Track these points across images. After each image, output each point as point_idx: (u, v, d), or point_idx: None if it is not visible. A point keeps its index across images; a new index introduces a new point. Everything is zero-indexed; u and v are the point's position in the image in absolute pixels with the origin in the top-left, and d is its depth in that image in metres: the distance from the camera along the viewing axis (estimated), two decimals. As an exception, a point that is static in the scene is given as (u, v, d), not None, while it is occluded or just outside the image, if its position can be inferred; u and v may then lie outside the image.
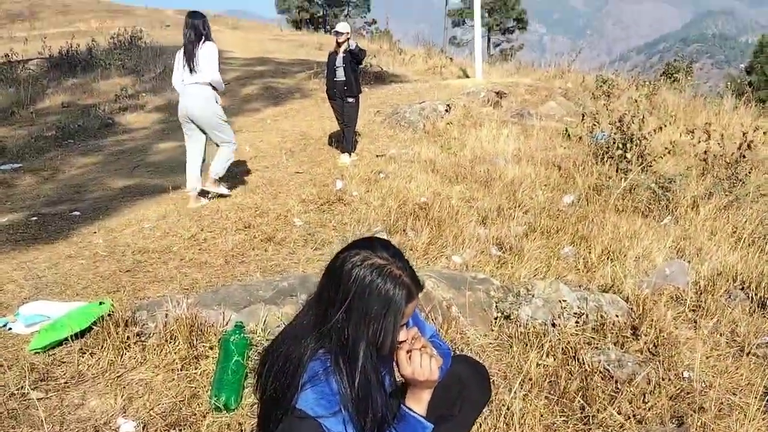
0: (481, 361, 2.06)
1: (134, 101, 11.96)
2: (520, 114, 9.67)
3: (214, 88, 5.73)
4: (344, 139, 7.49)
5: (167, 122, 10.67)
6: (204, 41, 5.59)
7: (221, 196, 5.95)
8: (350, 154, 7.42)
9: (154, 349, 2.85)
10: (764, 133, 6.40)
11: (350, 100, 7.35)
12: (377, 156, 7.52)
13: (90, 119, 10.71)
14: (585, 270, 4.18)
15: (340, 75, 7.29)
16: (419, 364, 1.63)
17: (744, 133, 6.23)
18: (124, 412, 2.50)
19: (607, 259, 4.30)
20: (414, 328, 1.76)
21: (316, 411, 1.56)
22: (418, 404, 1.69)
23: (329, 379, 1.58)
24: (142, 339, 2.94)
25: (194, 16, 5.66)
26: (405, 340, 1.67)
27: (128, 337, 2.89)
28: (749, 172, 6.27)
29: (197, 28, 5.59)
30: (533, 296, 3.18)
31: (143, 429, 2.41)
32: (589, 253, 4.35)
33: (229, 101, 12.02)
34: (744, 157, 6.22)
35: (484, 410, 2.52)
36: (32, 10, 27.47)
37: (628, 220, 5.19)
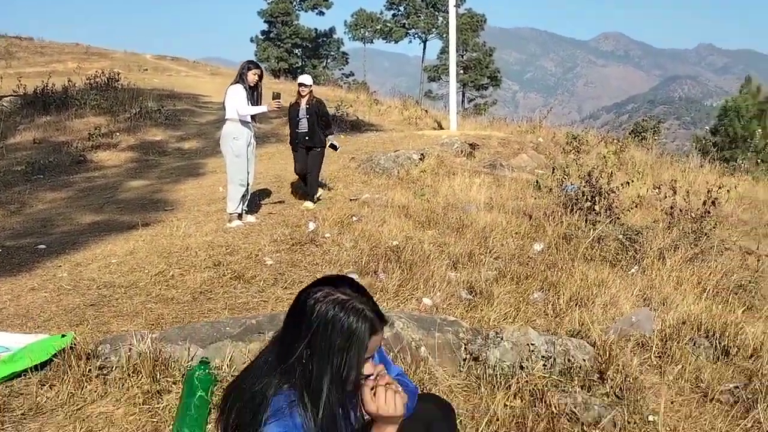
0: (448, 401, 2.04)
1: (108, 140, 11.92)
2: (493, 165, 9.86)
3: (244, 123, 6.28)
4: (308, 186, 7.52)
5: (140, 161, 10.65)
6: (230, 84, 6.32)
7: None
8: (313, 200, 7.45)
9: (116, 383, 2.77)
10: (728, 190, 6.62)
11: (315, 150, 7.41)
12: (351, 200, 7.56)
13: (61, 155, 10.64)
14: (554, 315, 4.22)
15: (303, 126, 7.33)
16: (384, 400, 1.63)
17: (709, 190, 6.44)
18: (81, 447, 2.42)
19: (576, 305, 4.35)
20: (380, 364, 1.76)
21: None
22: None
23: (293, 414, 1.57)
24: (104, 372, 2.86)
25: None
26: (371, 375, 1.67)
27: (89, 370, 2.82)
28: (714, 227, 6.44)
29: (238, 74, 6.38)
30: (502, 339, 3.19)
31: (100, 464, 2.33)
32: (558, 299, 4.40)
33: (204, 143, 12.09)
34: (709, 212, 6.41)
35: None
36: (9, 50, 27.44)
37: (596, 268, 5.27)
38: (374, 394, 1.64)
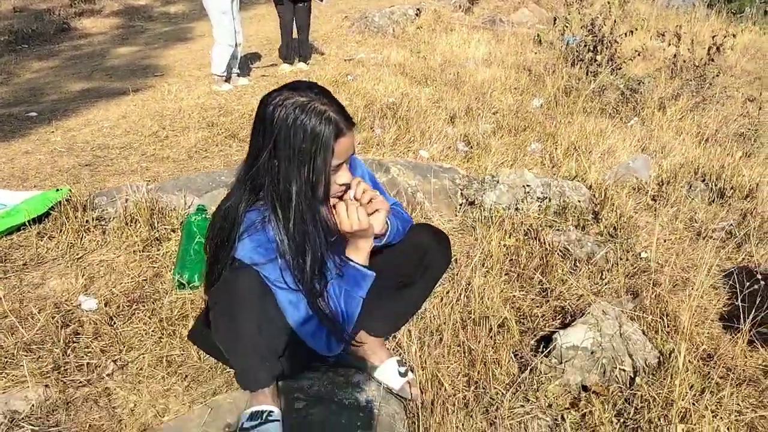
0: (444, 231, 2.05)
1: (91, 6, 11.39)
2: (492, 20, 9.46)
3: None
4: (299, 45, 7.08)
5: (126, 27, 10.24)
6: None
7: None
8: (306, 61, 7.16)
9: (115, 232, 2.80)
10: (733, 35, 6.36)
11: (300, 4, 6.83)
12: (345, 60, 7.32)
13: (44, 24, 10.20)
14: (551, 165, 4.21)
15: None
16: (346, 214, 1.62)
17: (713, 37, 6.19)
18: (86, 291, 2.48)
19: (573, 155, 4.32)
20: (358, 177, 1.74)
21: (253, 259, 1.57)
22: (356, 254, 1.70)
23: (266, 228, 1.58)
24: (102, 223, 2.88)
25: None
26: (347, 184, 1.64)
27: (87, 221, 2.84)
28: (717, 75, 6.27)
29: None
30: (498, 182, 3.18)
31: (105, 306, 2.40)
32: (556, 149, 4.36)
33: (191, 6, 11.54)
34: (713, 60, 6.21)
35: (444, 281, 2.57)
36: None
37: (595, 120, 5.19)
38: (335, 209, 1.65)
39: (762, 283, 2.49)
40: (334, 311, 1.66)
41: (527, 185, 3.12)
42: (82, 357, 2.05)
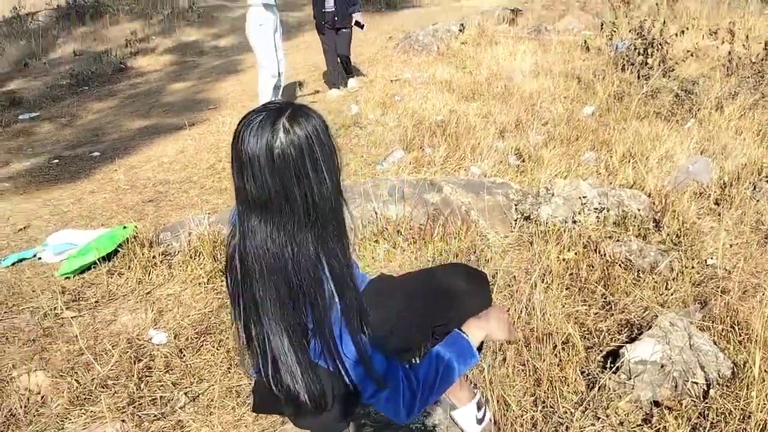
0: (480, 269, 1.93)
1: (145, 45, 11.88)
2: (537, 30, 9.37)
3: (267, 7, 5.96)
4: (345, 68, 7.33)
5: (179, 63, 10.62)
6: None
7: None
8: (354, 77, 7.34)
9: (180, 266, 2.91)
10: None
11: (344, 30, 7.05)
12: (391, 81, 7.39)
13: (103, 65, 10.68)
14: (606, 173, 4.12)
15: (330, 5, 6.91)
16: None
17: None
18: (155, 325, 2.58)
19: (629, 162, 4.23)
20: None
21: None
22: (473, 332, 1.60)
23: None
24: (168, 257, 2.99)
25: None
26: None
27: (154, 257, 2.96)
28: (775, 71, 6.03)
29: None
30: (553, 195, 3.15)
31: (175, 338, 2.48)
32: (611, 157, 4.28)
33: (239, 38, 11.87)
34: (770, 55, 5.99)
35: (504, 298, 2.55)
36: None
37: (650, 125, 5.07)
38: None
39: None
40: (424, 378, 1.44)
41: (583, 196, 3.07)
42: (155, 390, 2.13)
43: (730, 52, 6.17)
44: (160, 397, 2.09)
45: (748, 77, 5.82)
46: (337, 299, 1.31)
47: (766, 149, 4.26)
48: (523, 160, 4.34)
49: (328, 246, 1.33)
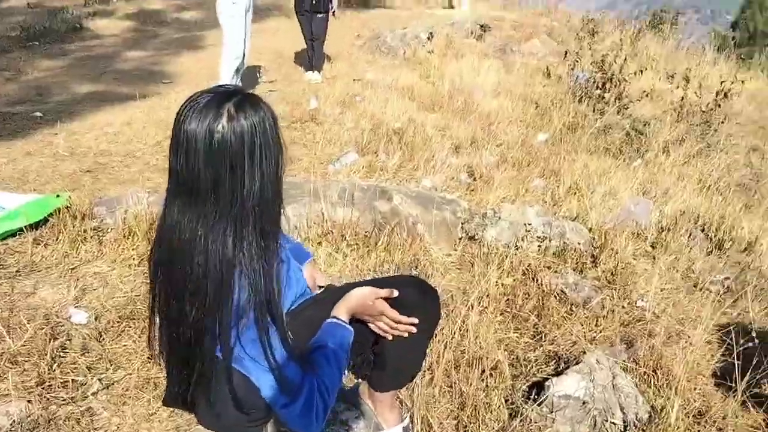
0: (430, 284, 1.81)
1: (104, 7, 11.44)
2: (503, 49, 9.51)
3: None
4: (313, 55, 7.30)
5: (138, 31, 10.27)
6: None
7: None
8: (320, 71, 7.28)
9: (112, 244, 2.79)
10: (742, 82, 6.40)
11: (319, 15, 7.10)
12: (354, 80, 7.34)
13: (57, 22, 10.20)
14: (552, 203, 4.20)
15: None
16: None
17: (722, 82, 6.22)
18: (77, 303, 2.46)
19: (575, 194, 4.32)
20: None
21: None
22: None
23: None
24: (100, 233, 2.87)
25: None
26: None
27: (85, 231, 2.83)
28: (723, 122, 6.29)
29: None
30: (500, 218, 3.18)
31: (95, 320, 2.37)
32: (558, 187, 4.36)
33: (205, 13, 11.58)
34: (719, 106, 6.23)
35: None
36: None
37: (599, 160, 5.20)
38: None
39: (756, 341, 2.48)
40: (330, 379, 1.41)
41: (528, 223, 3.11)
42: (68, 373, 2.03)
43: (683, 98, 6.40)
44: (72, 380, 2.00)
45: (696, 125, 6.05)
46: (251, 306, 1.23)
47: (704, 198, 4.42)
48: (474, 179, 4.37)
49: (250, 248, 1.24)
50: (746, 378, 2.23)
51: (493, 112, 6.19)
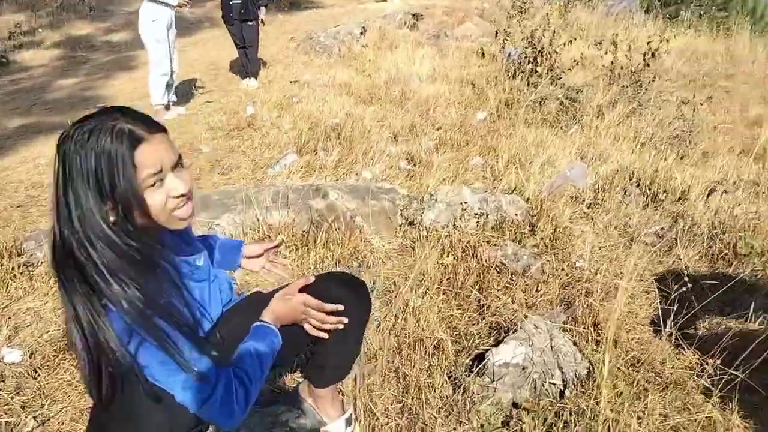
0: (358, 278, 1.81)
1: (30, 38, 11.12)
2: (437, 35, 9.57)
3: (162, 2, 5.76)
4: (248, 62, 7.26)
5: (67, 58, 10.04)
6: None
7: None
8: (256, 78, 7.24)
9: (42, 278, 2.73)
10: (666, 40, 6.55)
11: (249, 23, 7.07)
12: (291, 82, 7.30)
13: (-18, 59, 9.93)
14: (492, 178, 4.25)
15: None
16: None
17: (648, 42, 6.36)
18: (9, 342, 2.40)
19: (514, 167, 4.38)
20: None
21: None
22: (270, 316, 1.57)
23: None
24: (30, 269, 2.80)
25: None
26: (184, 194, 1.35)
27: (13, 268, 2.76)
28: (653, 80, 6.43)
29: None
30: (436, 201, 3.20)
31: (30, 357, 2.32)
32: (497, 162, 4.41)
33: (134, 33, 11.36)
34: (648, 65, 6.38)
35: (383, 305, 2.56)
36: None
37: (536, 131, 5.28)
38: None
39: (689, 285, 2.55)
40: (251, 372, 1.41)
41: (465, 202, 3.14)
42: (1, 415, 1.97)
43: (612, 62, 6.52)
44: (5, 422, 1.95)
45: (627, 86, 6.18)
46: (133, 323, 1.22)
47: (638, 155, 4.52)
48: (414, 165, 4.40)
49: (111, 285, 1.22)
50: (673, 319, 2.29)
51: (431, 98, 6.23)
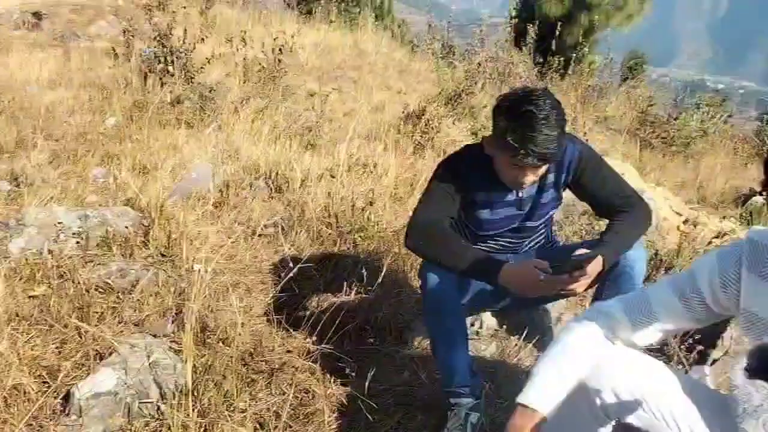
0: None
1: None
2: (64, 36, 8.70)
3: None
4: None
5: None
6: None
7: None
8: None
9: None
10: (292, 36, 6.91)
11: None
12: None
13: None
14: (116, 189, 3.96)
15: None
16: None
17: (275, 39, 6.65)
18: None
19: (141, 173, 4.16)
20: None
21: None
22: None
23: None
24: None
25: None
26: None
27: None
28: (284, 74, 6.72)
29: None
30: (25, 225, 2.83)
31: None
32: (120, 171, 4.13)
33: None
34: (280, 61, 6.65)
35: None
36: None
37: (173, 133, 5.10)
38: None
39: (296, 270, 2.66)
40: None
41: (59, 222, 2.83)
42: None
43: (244, 59, 6.66)
44: None
45: (261, 82, 6.37)
46: None
47: (267, 149, 4.66)
48: (19, 185, 3.87)
49: None
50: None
51: (51, 106, 5.60)
